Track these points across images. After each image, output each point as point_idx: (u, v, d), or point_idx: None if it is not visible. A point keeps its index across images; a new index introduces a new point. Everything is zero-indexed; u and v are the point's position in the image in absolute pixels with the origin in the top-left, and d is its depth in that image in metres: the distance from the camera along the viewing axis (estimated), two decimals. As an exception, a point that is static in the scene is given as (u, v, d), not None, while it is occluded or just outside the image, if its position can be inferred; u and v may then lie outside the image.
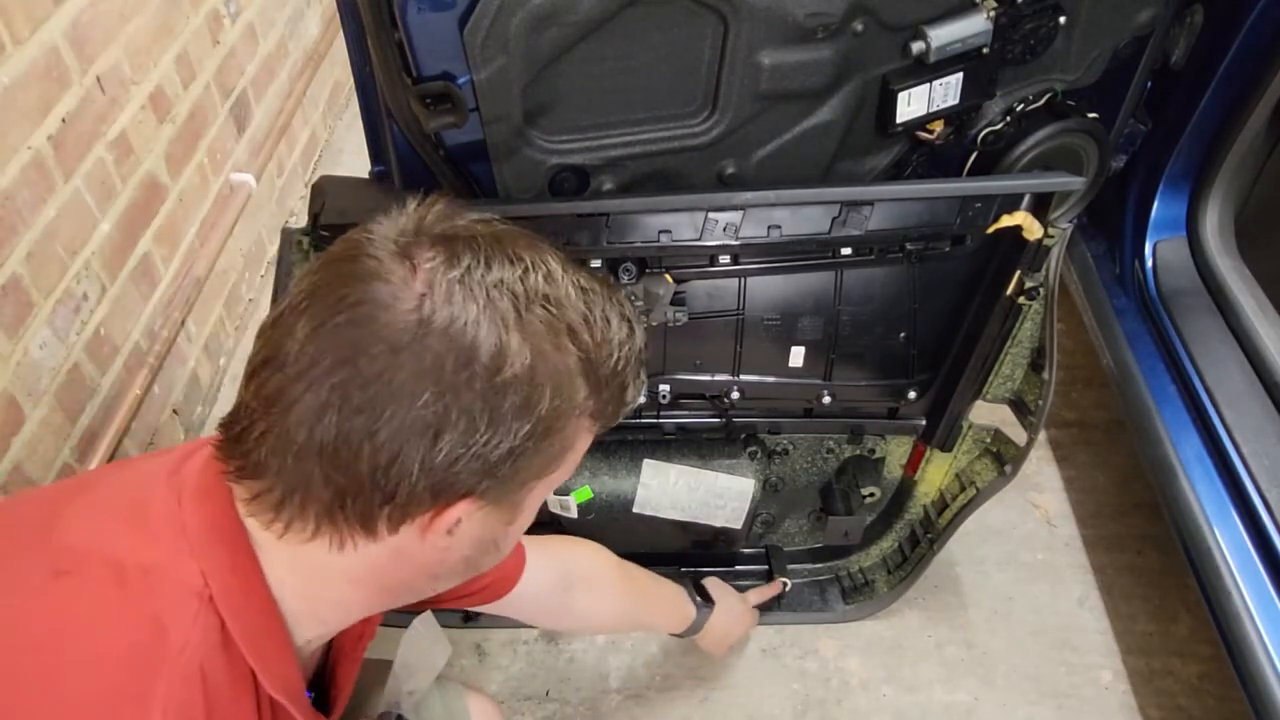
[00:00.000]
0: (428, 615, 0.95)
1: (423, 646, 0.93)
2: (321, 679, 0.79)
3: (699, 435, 1.42)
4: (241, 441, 0.59)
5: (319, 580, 0.64)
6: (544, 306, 0.60)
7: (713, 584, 1.41)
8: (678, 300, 1.21)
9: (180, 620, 0.58)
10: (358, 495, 0.58)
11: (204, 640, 0.58)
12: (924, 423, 1.41)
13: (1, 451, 1.29)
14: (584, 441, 0.67)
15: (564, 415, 0.62)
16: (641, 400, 0.71)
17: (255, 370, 0.59)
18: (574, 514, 1.41)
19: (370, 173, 1.16)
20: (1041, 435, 1.53)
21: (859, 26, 1.08)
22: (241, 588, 0.61)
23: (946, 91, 1.19)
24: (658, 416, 1.40)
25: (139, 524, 0.62)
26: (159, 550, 0.60)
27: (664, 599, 1.32)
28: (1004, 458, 1.36)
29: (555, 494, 1.40)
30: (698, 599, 1.34)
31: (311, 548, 0.61)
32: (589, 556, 1.20)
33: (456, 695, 1.08)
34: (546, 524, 1.44)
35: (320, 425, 0.56)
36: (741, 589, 1.62)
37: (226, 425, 0.61)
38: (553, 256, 0.63)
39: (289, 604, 0.64)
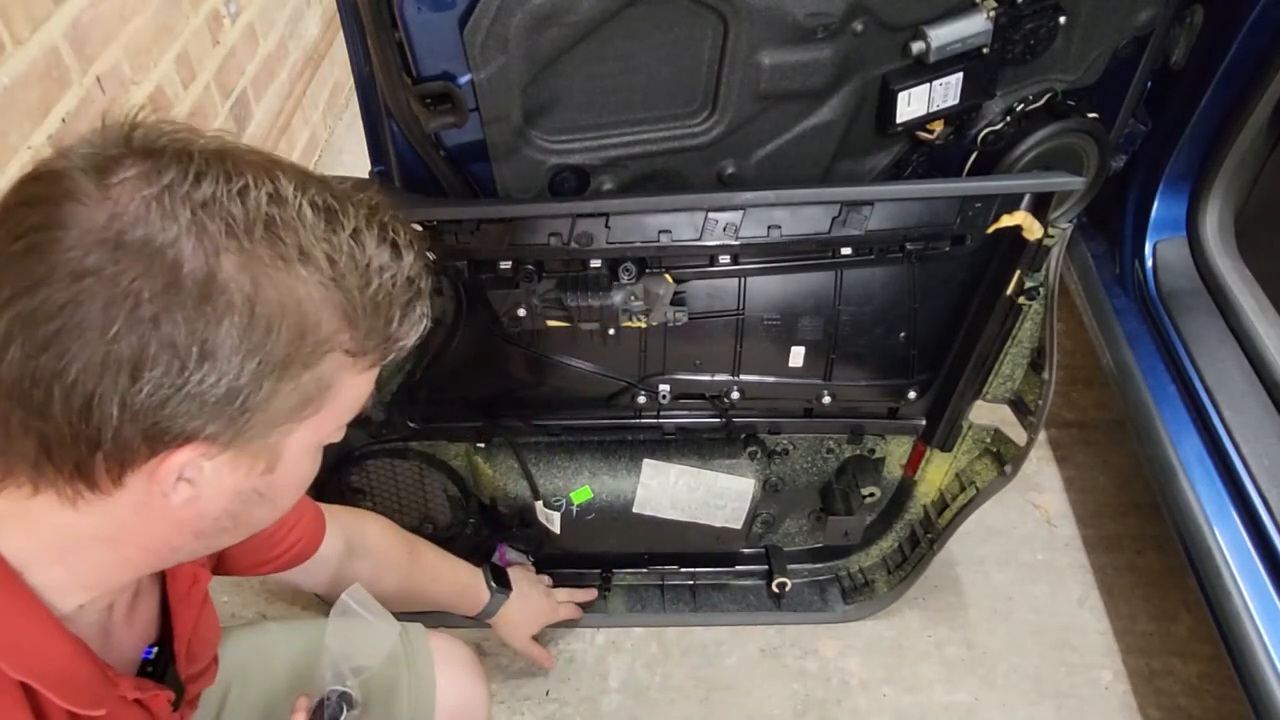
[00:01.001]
0: (357, 589, 0.91)
1: (359, 622, 0.89)
2: (168, 630, 0.75)
3: (699, 435, 1.42)
4: None
5: (66, 543, 0.59)
6: (268, 228, 0.53)
7: (517, 573, 1.41)
8: (678, 300, 1.21)
9: None
10: (62, 443, 0.52)
11: None
12: (924, 423, 1.41)
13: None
14: (351, 381, 0.60)
15: (307, 351, 0.55)
16: (422, 331, 0.63)
17: None
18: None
19: (370, 173, 1.16)
20: (1041, 435, 1.53)
21: (859, 26, 1.08)
22: None
23: (946, 91, 1.19)
24: (658, 416, 1.40)
25: None
26: None
27: (452, 580, 1.30)
28: (1004, 458, 1.36)
29: (545, 508, 1.40)
30: (494, 585, 1.34)
31: (40, 506, 0.56)
32: (376, 527, 1.16)
33: (419, 638, 1.07)
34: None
35: (4, 364, 0.50)
36: (741, 589, 1.63)
37: None
38: (286, 174, 0.55)
39: (38, 573, 0.59)
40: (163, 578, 0.76)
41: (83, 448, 0.52)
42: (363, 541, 1.13)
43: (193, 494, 0.57)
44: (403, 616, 0.98)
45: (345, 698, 0.86)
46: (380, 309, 0.59)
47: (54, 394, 0.50)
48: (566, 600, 1.53)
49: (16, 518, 0.57)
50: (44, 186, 0.52)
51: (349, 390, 0.61)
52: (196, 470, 0.56)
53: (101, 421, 0.51)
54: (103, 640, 0.67)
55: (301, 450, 0.62)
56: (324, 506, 1.07)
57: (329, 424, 0.62)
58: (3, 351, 0.50)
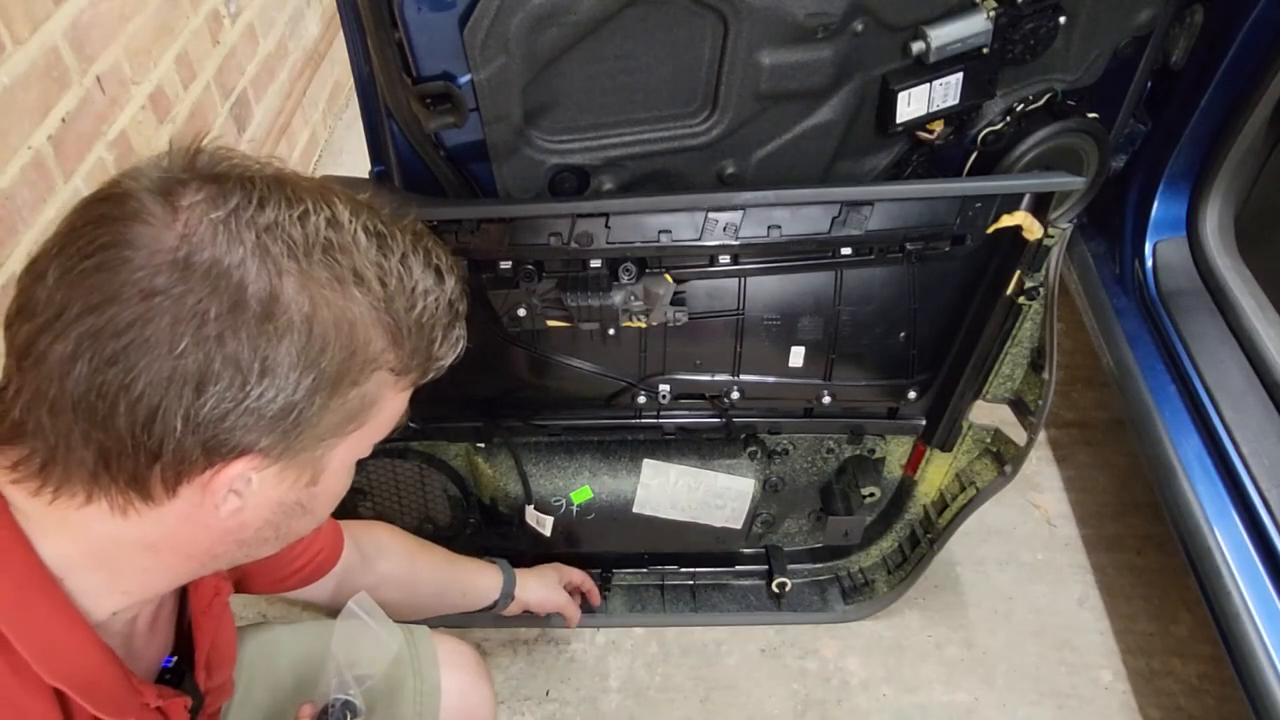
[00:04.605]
0: (363, 596, 0.92)
1: (364, 630, 0.90)
2: (187, 641, 0.76)
3: (699, 435, 1.42)
4: None
5: (110, 550, 0.60)
6: (326, 251, 0.55)
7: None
8: (678, 300, 1.21)
9: None
10: (121, 454, 0.54)
11: None
12: (924, 423, 1.41)
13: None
14: (392, 399, 0.63)
15: (357, 369, 0.58)
16: (459, 352, 0.67)
17: (9, 322, 0.55)
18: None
19: (370, 173, 1.16)
20: (1041, 435, 1.53)
21: (859, 26, 1.08)
22: (3, 569, 0.57)
23: (946, 91, 1.19)
24: (658, 416, 1.40)
25: None
26: None
27: (463, 572, 1.31)
28: (1004, 458, 1.36)
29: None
30: (499, 562, 1.36)
31: (89, 515, 0.57)
32: (387, 533, 1.19)
33: (424, 640, 1.07)
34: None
35: (71, 378, 0.52)
36: (741, 589, 1.63)
37: None
38: (341, 200, 0.58)
39: (78, 579, 0.60)
40: (184, 589, 0.76)
41: (142, 459, 0.54)
42: (376, 548, 1.14)
43: (239, 505, 0.59)
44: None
45: (349, 706, 0.86)
46: (424, 330, 0.61)
47: (119, 407, 0.52)
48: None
49: (63, 524, 0.58)
50: (112, 207, 0.53)
51: (389, 407, 0.63)
52: (245, 482, 0.58)
53: (164, 434, 0.53)
54: (126, 649, 0.68)
55: (341, 464, 0.64)
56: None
57: (368, 439, 0.64)
58: (70, 366, 0.52)
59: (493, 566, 1.34)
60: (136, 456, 0.54)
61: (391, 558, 1.17)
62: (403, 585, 1.19)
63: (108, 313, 0.51)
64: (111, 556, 0.61)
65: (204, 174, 0.55)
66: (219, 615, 0.79)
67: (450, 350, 0.65)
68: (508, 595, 1.34)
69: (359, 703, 0.87)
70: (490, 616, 1.59)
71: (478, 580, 1.33)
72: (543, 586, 1.40)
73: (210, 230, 0.53)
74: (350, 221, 0.57)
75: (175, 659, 0.75)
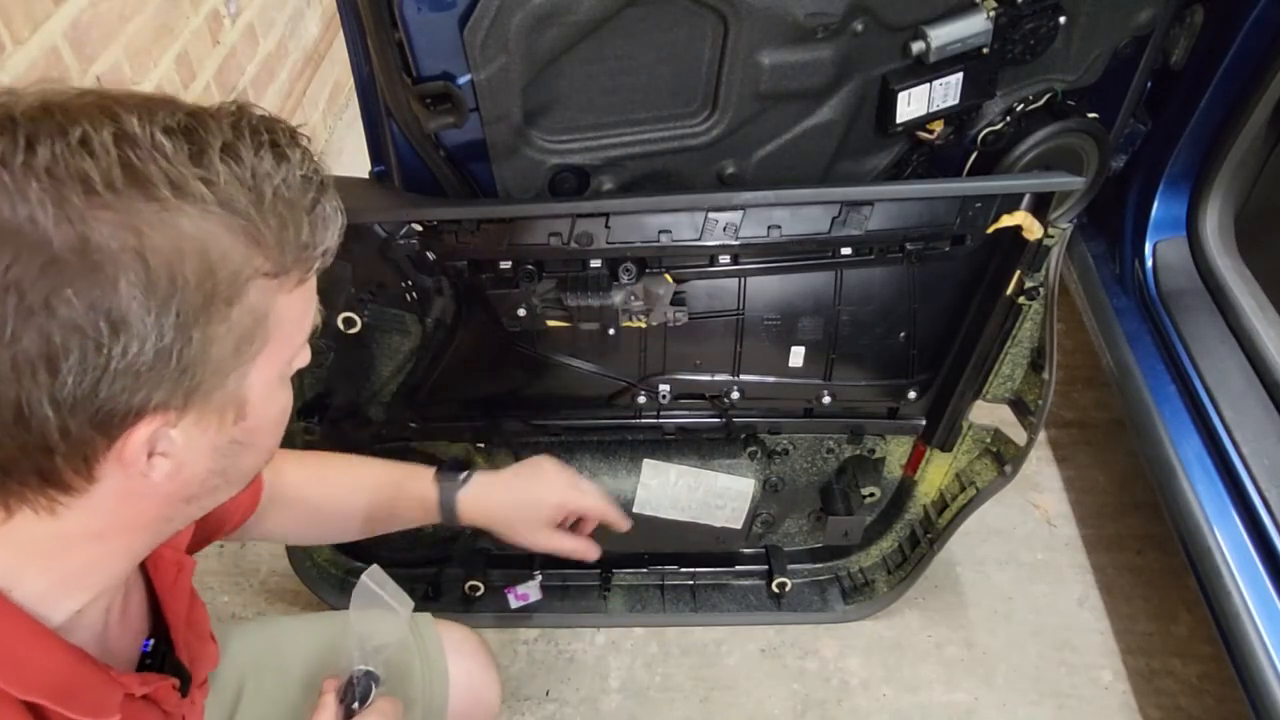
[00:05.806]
0: (375, 569, 0.91)
1: (378, 599, 0.90)
2: (162, 622, 0.74)
3: (699, 435, 1.42)
4: None
5: (54, 550, 0.56)
6: (127, 170, 0.47)
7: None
8: (678, 300, 1.21)
9: None
10: (13, 459, 0.50)
11: None
12: (924, 423, 1.41)
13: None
14: (285, 303, 0.56)
15: (225, 287, 0.51)
16: (341, 228, 0.58)
17: None
18: None
19: (370, 173, 1.16)
20: (1041, 435, 1.53)
21: (859, 26, 1.08)
22: None
23: (946, 91, 1.19)
24: (658, 416, 1.40)
25: None
26: None
27: (380, 476, 1.06)
28: (1004, 458, 1.36)
29: None
30: (442, 474, 1.06)
31: (18, 524, 0.54)
32: (290, 464, 1.02)
33: (428, 628, 1.06)
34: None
35: None
36: (741, 589, 1.63)
37: None
38: (126, 107, 0.49)
39: (27, 586, 0.57)
40: (146, 572, 0.75)
41: (37, 456, 0.50)
42: (279, 484, 1.01)
43: (173, 466, 0.55)
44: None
45: (371, 675, 0.87)
46: (284, 220, 0.53)
47: None
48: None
49: None
50: None
51: (288, 313, 0.56)
52: (168, 442, 0.53)
53: (41, 425, 0.48)
54: (100, 645, 0.66)
55: (266, 388, 0.58)
56: None
57: (284, 352, 0.58)
58: None
59: (428, 474, 1.06)
60: (30, 456, 0.49)
61: (295, 483, 1.03)
62: (309, 506, 1.04)
63: None
64: (57, 556, 0.57)
65: None
66: (187, 593, 0.77)
67: (327, 229, 0.57)
68: (449, 509, 1.06)
69: (380, 672, 0.88)
70: (492, 617, 1.59)
71: (407, 475, 1.07)
72: (524, 522, 1.09)
73: None
74: (144, 128, 0.49)
75: (153, 641, 0.72)
